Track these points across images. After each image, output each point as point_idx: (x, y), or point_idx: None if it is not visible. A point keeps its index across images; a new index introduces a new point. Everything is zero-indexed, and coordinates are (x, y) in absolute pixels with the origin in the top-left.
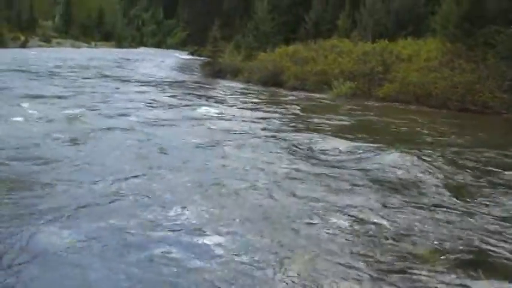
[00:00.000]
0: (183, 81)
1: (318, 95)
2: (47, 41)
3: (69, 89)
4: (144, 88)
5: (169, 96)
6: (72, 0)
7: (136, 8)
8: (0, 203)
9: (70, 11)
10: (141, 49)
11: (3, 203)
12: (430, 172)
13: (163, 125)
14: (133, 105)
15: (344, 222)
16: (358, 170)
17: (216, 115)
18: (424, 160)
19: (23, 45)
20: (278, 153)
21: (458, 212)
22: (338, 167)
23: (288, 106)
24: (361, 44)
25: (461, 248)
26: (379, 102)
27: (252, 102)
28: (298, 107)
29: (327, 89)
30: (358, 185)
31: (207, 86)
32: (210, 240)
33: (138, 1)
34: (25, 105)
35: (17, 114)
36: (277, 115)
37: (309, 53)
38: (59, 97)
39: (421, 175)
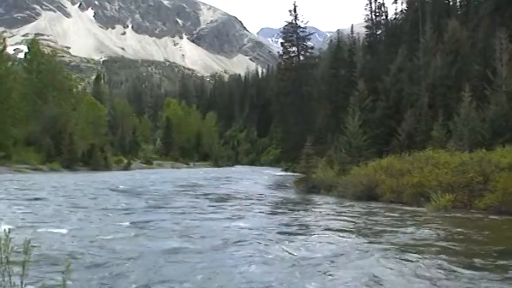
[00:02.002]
0: (279, 198)
1: (415, 209)
2: (148, 162)
3: (167, 206)
4: (239, 206)
5: (266, 214)
6: (171, 124)
7: (232, 129)
8: None
9: (170, 135)
10: (237, 167)
11: None
12: None
13: (263, 243)
14: (230, 224)
15: None
16: None
17: (317, 233)
18: None
19: (126, 168)
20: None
21: None
22: None
23: (390, 222)
24: (458, 154)
25: None
26: (481, 214)
27: (351, 219)
28: (401, 223)
29: (425, 202)
30: None
31: (303, 203)
32: None
33: (233, 123)
34: (126, 220)
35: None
36: (386, 234)
37: (403, 165)
38: (156, 213)
39: None
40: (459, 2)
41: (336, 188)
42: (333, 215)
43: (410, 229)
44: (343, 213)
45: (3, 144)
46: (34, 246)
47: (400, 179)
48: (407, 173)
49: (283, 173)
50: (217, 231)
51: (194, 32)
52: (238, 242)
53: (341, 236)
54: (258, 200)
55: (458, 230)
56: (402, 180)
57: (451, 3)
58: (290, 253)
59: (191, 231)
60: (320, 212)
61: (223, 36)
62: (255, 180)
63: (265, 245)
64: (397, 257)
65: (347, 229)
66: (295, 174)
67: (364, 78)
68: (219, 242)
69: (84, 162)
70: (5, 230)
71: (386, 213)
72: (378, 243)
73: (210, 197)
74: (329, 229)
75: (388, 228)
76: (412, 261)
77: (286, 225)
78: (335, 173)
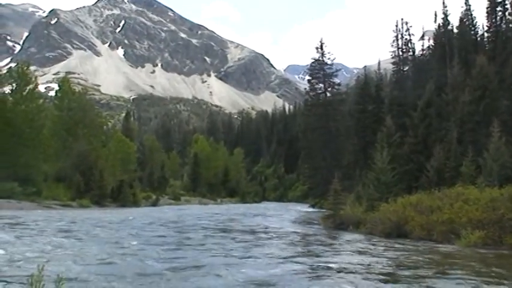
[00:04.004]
0: (306, 234)
1: (446, 246)
2: (176, 198)
3: (195, 240)
4: (267, 241)
5: (294, 252)
6: (199, 160)
7: (259, 165)
8: None
9: (198, 171)
10: (264, 203)
11: None
12: None
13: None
14: (258, 261)
15: None
16: None
17: (353, 272)
18: None
19: (154, 204)
20: None
21: None
22: None
23: (423, 261)
24: (488, 190)
25: None
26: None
27: (384, 258)
28: (434, 262)
29: (455, 239)
30: None
31: (331, 239)
32: None
33: (261, 158)
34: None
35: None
36: (422, 274)
37: (433, 202)
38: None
39: None
40: (486, 37)
41: (364, 225)
42: (365, 253)
43: (445, 270)
44: (374, 252)
45: (34, 179)
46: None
47: (429, 216)
48: (437, 209)
49: (310, 209)
50: (249, 268)
51: (222, 69)
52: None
53: (377, 278)
54: (286, 236)
55: (492, 269)
56: (432, 217)
57: (478, 38)
58: None
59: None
60: (351, 250)
61: (251, 73)
62: (283, 216)
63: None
64: None
65: (383, 269)
66: (323, 210)
67: (392, 114)
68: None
69: (113, 199)
70: (38, 266)
71: (418, 251)
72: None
73: (241, 233)
74: (364, 269)
75: (423, 268)
76: None
77: (316, 265)
78: (363, 210)
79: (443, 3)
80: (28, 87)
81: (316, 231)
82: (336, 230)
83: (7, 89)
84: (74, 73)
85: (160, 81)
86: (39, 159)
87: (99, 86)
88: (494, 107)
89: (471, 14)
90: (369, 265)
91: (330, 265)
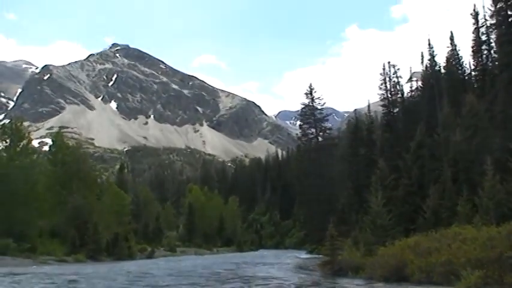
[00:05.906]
0: (305, 283)
1: None
2: (171, 250)
3: None
4: None
5: None
6: (194, 210)
7: (254, 212)
8: None
9: (193, 221)
10: (260, 251)
11: None
12: None
13: None
14: None
15: None
16: None
17: None
18: None
19: (150, 256)
20: None
21: None
22: None
23: None
24: (485, 229)
25: None
26: None
27: None
28: None
29: (455, 280)
30: None
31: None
32: None
33: (256, 206)
34: None
35: None
36: None
37: (431, 244)
38: None
39: None
40: (474, 76)
41: (363, 270)
42: None
43: None
44: None
45: (29, 235)
46: None
47: (428, 258)
48: (435, 251)
49: (308, 256)
50: None
51: (214, 118)
52: None
53: None
54: (283, 285)
55: None
56: (430, 258)
57: (466, 77)
58: None
59: None
60: None
61: (242, 121)
62: (280, 264)
63: None
64: None
65: None
66: (321, 256)
67: (384, 157)
68: None
69: (108, 252)
70: None
71: None
72: None
73: (238, 282)
74: None
75: None
76: None
77: None
78: (361, 254)
79: (429, 44)
80: (22, 143)
81: (315, 278)
82: (335, 277)
83: (1, 145)
84: (67, 127)
85: (153, 133)
86: (34, 215)
87: (92, 139)
88: (487, 145)
89: (457, 54)
90: None
91: None
